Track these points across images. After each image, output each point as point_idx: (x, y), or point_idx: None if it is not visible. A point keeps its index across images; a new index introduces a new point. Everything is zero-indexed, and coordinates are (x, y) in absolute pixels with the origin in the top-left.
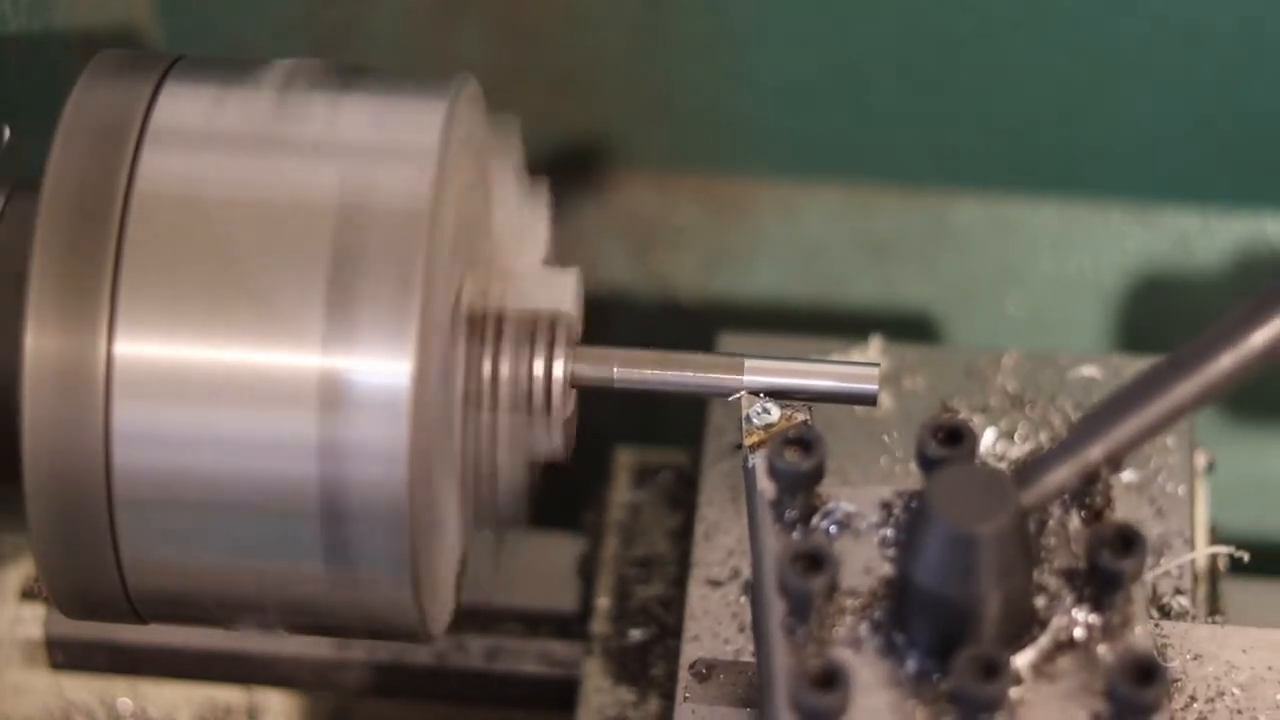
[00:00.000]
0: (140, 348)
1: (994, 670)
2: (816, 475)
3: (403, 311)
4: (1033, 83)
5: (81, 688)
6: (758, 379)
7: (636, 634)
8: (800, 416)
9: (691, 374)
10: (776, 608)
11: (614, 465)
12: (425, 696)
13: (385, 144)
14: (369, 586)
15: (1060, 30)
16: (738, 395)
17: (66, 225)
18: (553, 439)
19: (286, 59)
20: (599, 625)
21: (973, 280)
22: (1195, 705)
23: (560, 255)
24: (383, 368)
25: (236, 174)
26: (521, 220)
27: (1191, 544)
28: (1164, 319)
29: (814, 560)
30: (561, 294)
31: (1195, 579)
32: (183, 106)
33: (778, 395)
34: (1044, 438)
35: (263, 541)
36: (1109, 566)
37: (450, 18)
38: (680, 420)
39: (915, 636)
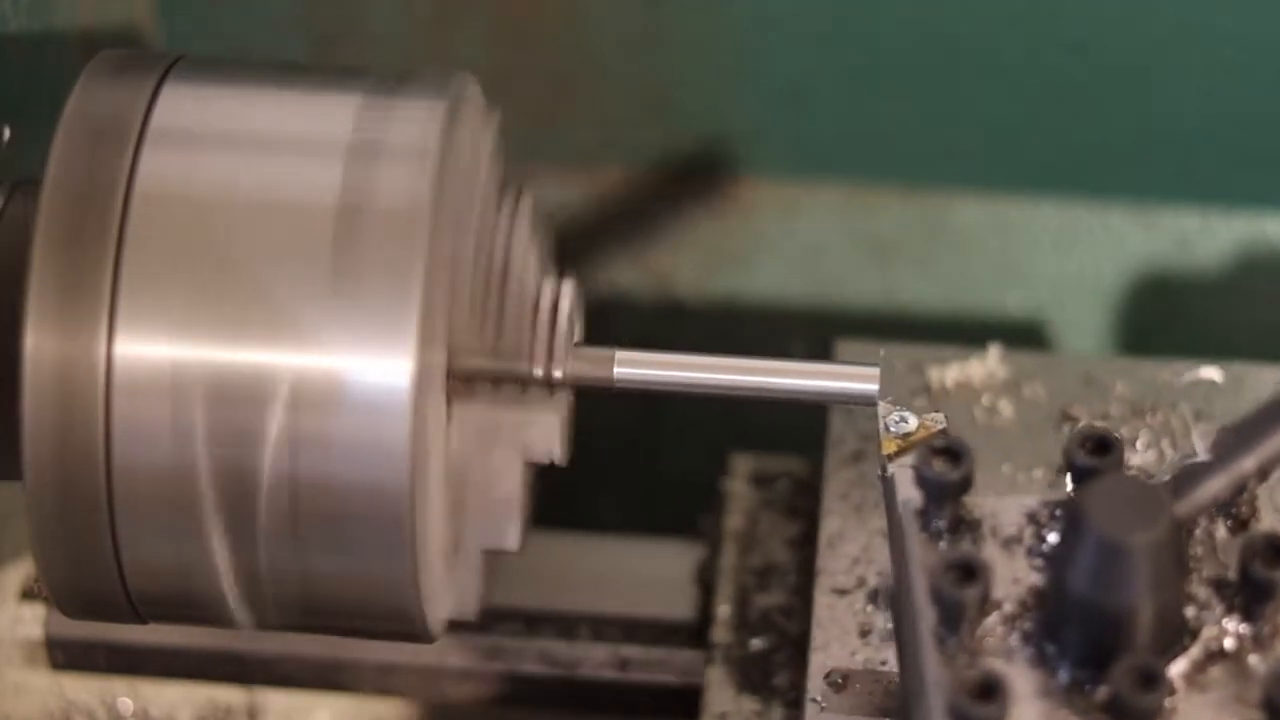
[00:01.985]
0: (140, 348)
1: (1152, 680)
2: (965, 485)
3: (402, 311)
4: (1033, 83)
5: (81, 688)
6: (759, 379)
7: (758, 643)
8: (938, 425)
9: (691, 374)
10: (927, 618)
11: (730, 472)
12: (425, 696)
13: (385, 144)
14: (369, 586)
15: (1060, 30)
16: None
17: (66, 225)
18: (552, 439)
19: (286, 59)
20: (720, 634)
21: (973, 280)
22: None
23: (560, 255)
24: (383, 367)
25: (236, 174)
26: (521, 219)
27: None
28: (1164, 319)
29: (967, 570)
30: (561, 294)
31: None
32: (183, 106)
33: (777, 395)
34: (1165, 445)
35: (264, 542)
36: (1261, 577)
37: (450, 18)
38: (794, 428)
39: (1067, 647)
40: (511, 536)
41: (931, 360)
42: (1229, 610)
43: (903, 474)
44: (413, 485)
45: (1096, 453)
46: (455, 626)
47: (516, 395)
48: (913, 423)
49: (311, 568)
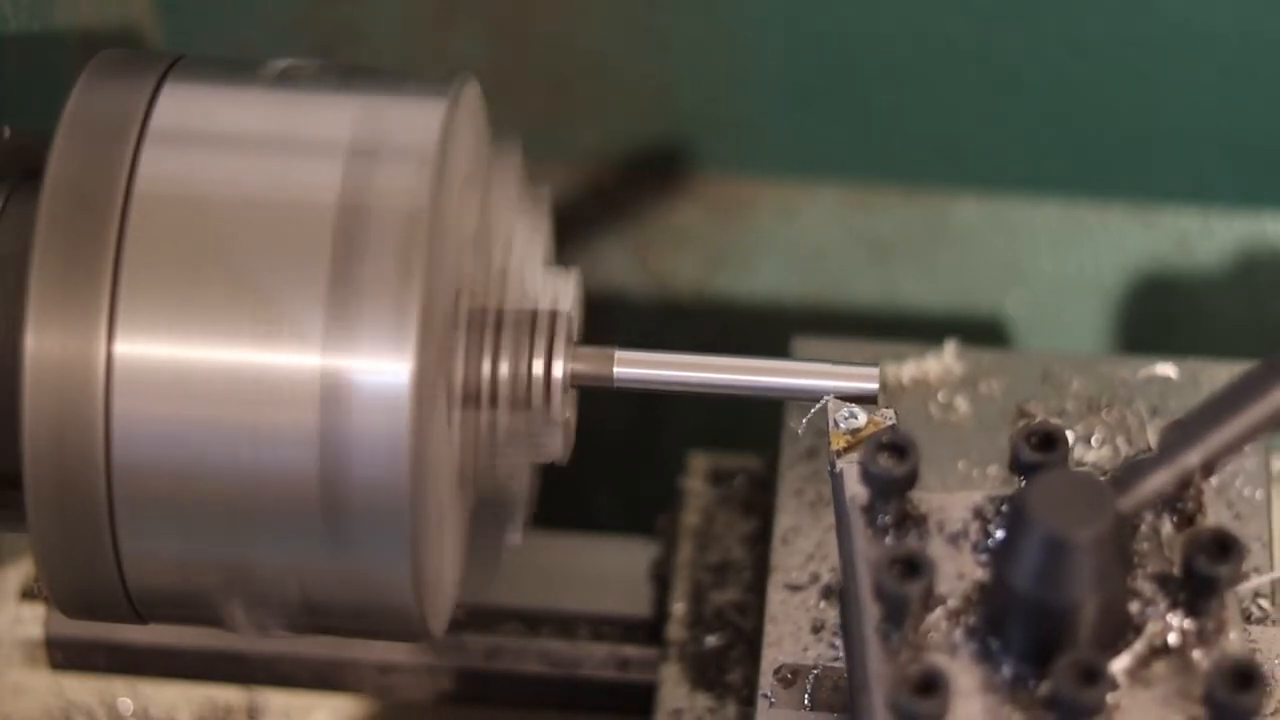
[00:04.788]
0: (140, 347)
1: (1094, 676)
2: (910, 480)
3: (403, 310)
4: (1033, 83)
5: (81, 688)
6: (759, 379)
7: (713, 639)
8: (887, 421)
9: (691, 374)
10: (871, 613)
11: (687, 470)
12: (426, 696)
13: (385, 144)
14: (369, 586)
15: (1060, 30)
16: (824, 401)
17: (66, 225)
18: (552, 439)
19: (286, 59)
20: (675, 631)
21: (973, 280)
22: None
23: (560, 255)
24: (383, 367)
25: (236, 174)
26: (521, 219)
27: (1269, 549)
28: (1164, 319)
29: (911, 566)
30: (561, 294)
31: (1274, 585)
32: (183, 106)
33: (778, 395)
34: (1120, 442)
35: (263, 541)
36: (1205, 572)
37: (450, 18)
38: (753, 425)
39: (1010, 642)
40: (512, 535)
41: (888, 356)
42: (1173, 606)
43: (850, 470)
44: (413, 485)
45: (1042, 448)
46: (455, 626)
47: (517, 394)
48: (862, 419)
49: (311, 567)
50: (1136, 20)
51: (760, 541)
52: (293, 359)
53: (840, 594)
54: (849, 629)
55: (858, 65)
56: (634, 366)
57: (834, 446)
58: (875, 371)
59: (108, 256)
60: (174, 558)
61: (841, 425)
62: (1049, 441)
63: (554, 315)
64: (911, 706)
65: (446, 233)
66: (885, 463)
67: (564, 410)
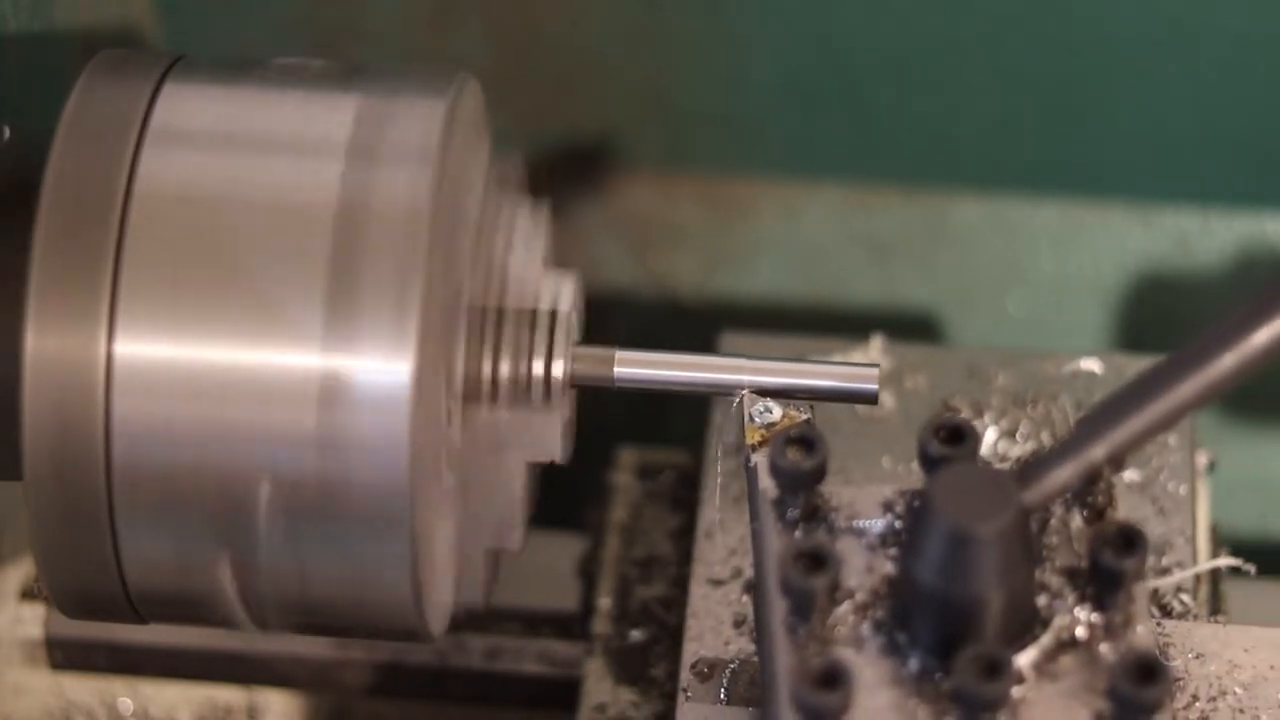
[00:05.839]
0: (140, 347)
1: (997, 669)
2: (819, 474)
3: (403, 310)
4: (1033, 83)
5: (81, 688)
6: (759, 379)
7: (637, 634)
8: (802, 416)
9: (691, 374)
10: (778, 607)
11: (616, 465)
12: (425, 696)
13: (385, 144)
14: (369, 586)
15: (1060, 30)
16: (740, 395)
17: (66, 225)
18: (552, 439)
19: (286, 59)
20: (600, 625)
21: (973, 280)
22: (1198, 704)
23: (560, 255)
24: (383, 367)
25: (237, 173)
26: (521, 220)
27: (1193, 543)
28: (1164, 319)
29: (816, 559)
30: (561, 294)
31: (1197, 579)
32: (183, 106)
33: (779, 395)
34: (1045, 437)
35: (263, 541)
36: (1111, 566)
37: (450, 18)
38: (682, 420)
39: (917, 635)
40: (514, 536)
41: (814, 351)
42: (1081, 599)
43: (764, 463)
44: (412, 485)
45: (950, 441)
46: (455, 626)
47: (518, 394)
48: (777, 413)
49: (311, 567)
50: (1136, 20)
51: (686, 537)
52: (292, 359)
53: (753, 588)
54: (760, 623)
55: (858, 65)
56: (634, 366)
57: (749, 441)
58: (875, 372)
59: (108, 256)
60: (174, 558)
61: (757, 420)
62: (957, 435)
63: (554, 315)
64: (813, 700)
65: (446, 232)
66: (793, 457)
67: (564, 410)
